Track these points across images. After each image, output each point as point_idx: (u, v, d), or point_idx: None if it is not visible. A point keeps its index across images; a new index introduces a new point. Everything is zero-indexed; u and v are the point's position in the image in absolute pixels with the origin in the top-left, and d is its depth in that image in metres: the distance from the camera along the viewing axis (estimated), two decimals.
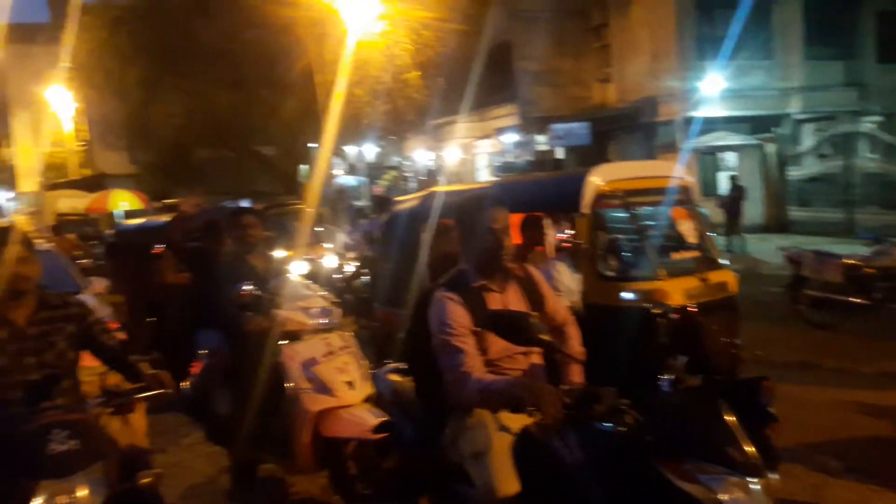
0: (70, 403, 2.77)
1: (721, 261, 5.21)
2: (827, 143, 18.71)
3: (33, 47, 39.96)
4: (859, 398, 5.62)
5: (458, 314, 2.63)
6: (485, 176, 25.23)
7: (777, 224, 18.25)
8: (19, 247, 2.72)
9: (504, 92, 23.38)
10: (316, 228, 9.99)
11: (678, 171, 5.32)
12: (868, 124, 18.80)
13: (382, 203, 11.36)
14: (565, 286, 4.71)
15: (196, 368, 5.07)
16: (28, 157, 44.85)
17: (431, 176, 24.33)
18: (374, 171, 25.46)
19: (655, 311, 3.80)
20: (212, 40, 18.17)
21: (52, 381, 2.76)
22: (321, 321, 4.39)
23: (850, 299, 7.80)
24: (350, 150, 26.77)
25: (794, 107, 19.71)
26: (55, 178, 34.76)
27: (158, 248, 6.47)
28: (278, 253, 6.83)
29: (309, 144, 21.38)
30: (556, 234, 5.23)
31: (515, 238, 5.08)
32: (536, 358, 2.82)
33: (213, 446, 5.03)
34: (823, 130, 19.37)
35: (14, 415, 2.60)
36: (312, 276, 8.13)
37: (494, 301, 2.75)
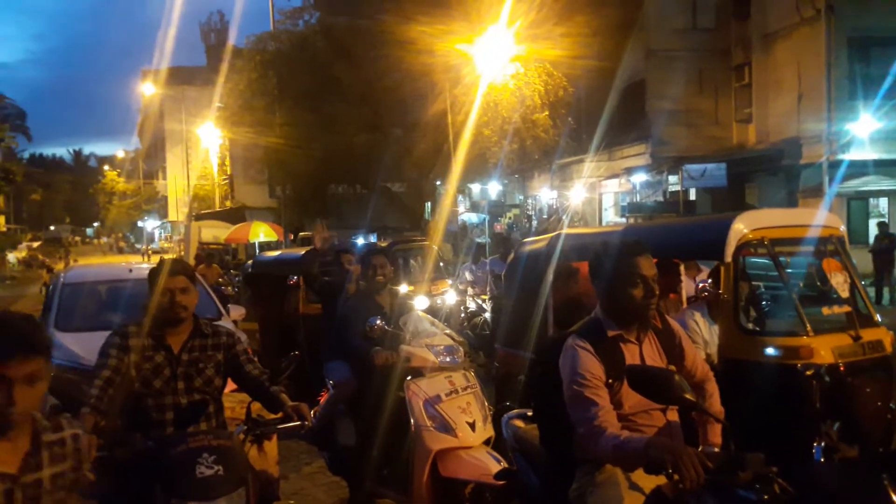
0: (215, 429, 2.91)
1: (876, 317, 4.76)
2: None
3: (189, 89, 43.76)
4: None
5: (591, 365, 2.55)
6: (611, 216, 24.73)
7: None
8: (183, 278, 2.91)
9: (635, 131, 22.97)
10: (439, 264, 10.12)
11: (830, 220, 4.95)
12: None
13: (503, 241, 11.36)
14: (702, 338, 4.47)
15: (323, 398, 5.20)
16: (178, 189, 48.78)
17: (555, 215, 24.14)
18: (497, 208, 25.60)
19: (808, 371, 3.50)
20: (353, 84, 19.11)
21: (200, 405, 2.92)
22: (446, 359, 4.39)
23: None
24: (474, 187, 27.09)
25: None
26: (200, 209, 37.47)
27: (293, 279, 6.75)
28: (402, 288, 6.96)
29: (436, 182, 21.88)
30: (694, 283, 4.99)
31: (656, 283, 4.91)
32: (673, 414, 2.68)
33: (333, 476, 5.11)
34: None
35: (166, 436, 2.76)
36: (433, 312, 8.22)
37: (630, 353, 2.65)
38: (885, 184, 17.80)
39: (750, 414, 3.70)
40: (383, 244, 10.95)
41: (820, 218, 5.02)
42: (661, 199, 21.92)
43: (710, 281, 4.71)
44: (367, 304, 4.84)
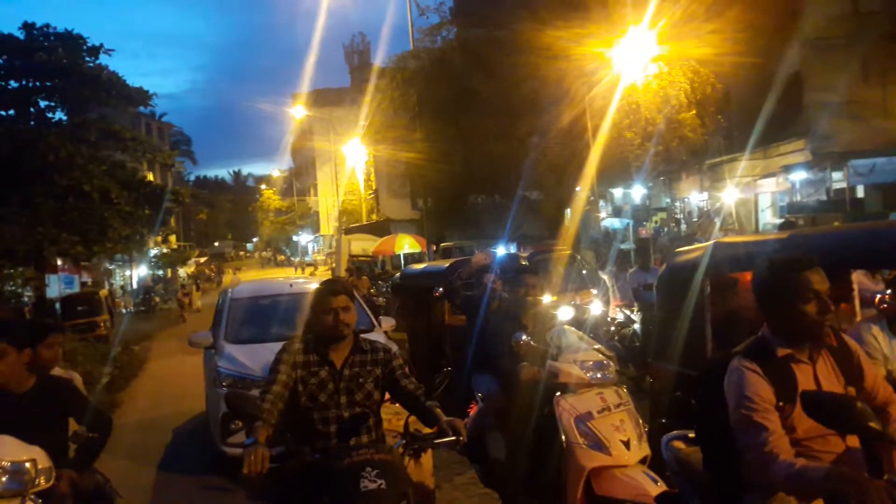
0: (376, 442, 3.02)
1: None
2: None
3: (336, 109, 46.05)
4: None
5: (759, 387, 2.41)
6: (768, 217, 23.20)
7: None
8: (344, 297, 3.06)
9: (792, 126, 21.44)
10: (582, 272, 9.91)
11: None
12: None
13: (643, 252, 10.92)
14: (881, 353, 4.08)
15: (473, 410, 5.25)
16: (328, 205, 51.36)
17: (706, 217, 23.00)
18: (641, 212, 24.82)
19: None
20: (490, 95, 19.29)
21: (361, 419, 3.04)
22: (596, 375, 4.29)
23: None
24: (616, 191, 26.44)
25: None
26: (349, 223, 39.23)
27: (438, 291, 6.88)
28: (545, 298, 6.89)
29: (576, 189, 21.59)
30: (872, 294, 4.58)
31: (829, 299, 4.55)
32: (854, 440, 2.47)
33: (484, 488, 5.14)
34: None
35: (331, 449, 2.89)
36: (578, 324, 8.05)
37: (803, 373, 2.47)
38: None
39: None
40: (524, 254, 10.89)
41: None
42: (824, 198, 20.33)
43: (889, 291, 4.30)
44: (512, 319, 4.84)
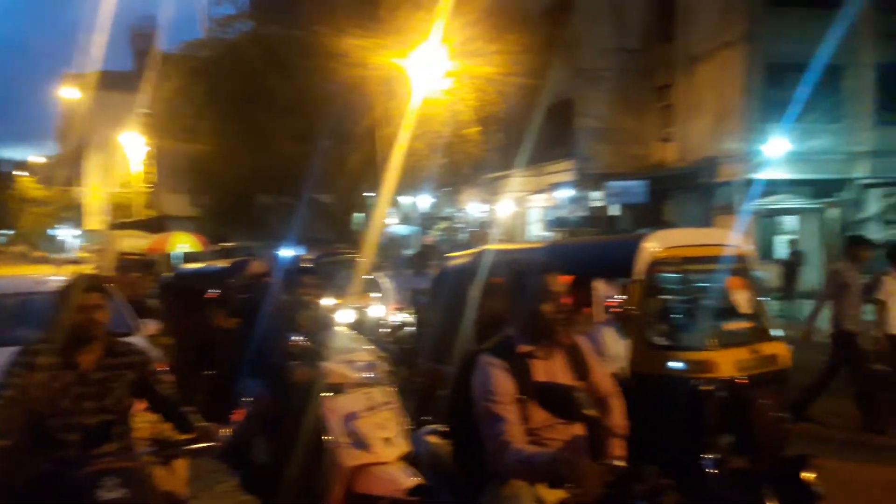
0: (122, 450, 2.84)
1: (774, 332, 5.04)
2: (893, 209, 18.13)
3: (115, 94, 42.32)
4: None
5: (502, 381, 2.62)
6: (537, 230, 25.20)
7: None
8: (98, 295, 2.85)
9: (562, 147, 23.50)
10: (365, 277, 10.08)
11: (736, 239, 5.22)
12: None
13: (425, 255, 11.35)
14: (612, 353, 4.61)
15: (238, 416, 5.11)
16: (96, 197, 47.01)
17: (483, 228, 24.46)
18: (427, 221, 25.77)
19: (704, 387, 3.68)
20: (285, 95, 18.91)
21: (108, 426, 2.85)
22: (365, 375, 4.40)
23: None
24: (404, 200, 27.16)
25: (861, 171, 19.19)
26: (120, 218, 36.23)
27: (212, 293, 6.62)
28: (327, 301, 6.91)
29: (365, 194, 21.85)
30: (605, 299, 5.15)
31: (565, 300, 5.04)
32: (579, 429, 2.73)
33: (246, 495, 5.03)
34: (891, 196, 18.78)
35: (69, 457, 2.68)
36: (358, 325, 8.16)
37: (539, 369, 2.72)
38: (795, 202, 18.80)
39: (654, 427, 3.86)
40: (310, 256, 10.83)
41: (727, 237, 5.29)
42: (584, 214, 22.50)
43: (620, 298, 4.87)
44: (287, 320, 4.80)
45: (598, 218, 22.22)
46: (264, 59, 19.53)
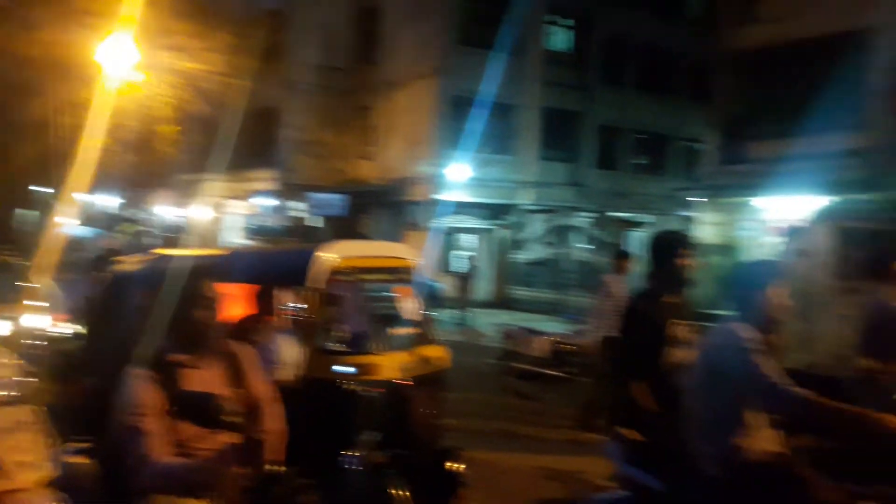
0: None
1: (435, 336, 5.65)
2: (551, 233, 21.26)
3: None
4: (548, 463, 6.33)
5: (145, 393, 2.53)
6: (236, 236, 24.64)
7: (503, 301, 20.14)
8: None
9: (265, 156, 23.36)
10: (27, 282, 8.96)
11: (405, 252, 5.73)
12: (583, 219, 21.76)
13: (105, 260, 10.41)
14: (287, 359, 4.81)
15: None
16: None
17: (177, 232, 23.23)
18: (113, 222, 23.70)
19: (351, 386, 4.01)
20: None
21: None
22: (7, 393, 4.01)
23: (551, 372, 8.83)
24: (89, 198, 24.67)
25: (526, 198, 22.15)
26: None
27: None
28: None
29: (35, 188, 19.39)
30: (285, 307, 5.34)
31: (249, 308, 5.12)
32: (229, 437, 2.58)
33: None
34: (548, 221, 22.00)
35: None
36: (13, 337, 7.32)
37: (191, 378, 2.63)
38: (471, 222, 21.07)
39: (319, 429, 4.16)
40: None
41: (399, 250, 5.82)
42: (285, 224, 22.61)
43: (299, 306, 5.10)
44: None
45: (298, 228, 22.45)
46: None
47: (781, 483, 3.09)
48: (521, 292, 20.51)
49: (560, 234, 20.99)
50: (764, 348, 3.03)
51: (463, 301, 16.96)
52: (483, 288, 19.70)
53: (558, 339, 9.08)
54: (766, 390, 2.91)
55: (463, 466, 4.47)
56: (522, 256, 20.99)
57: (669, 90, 26.08)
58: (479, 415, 7.76)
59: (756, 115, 14.15)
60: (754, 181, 13.49)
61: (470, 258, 18.29)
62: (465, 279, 17.26)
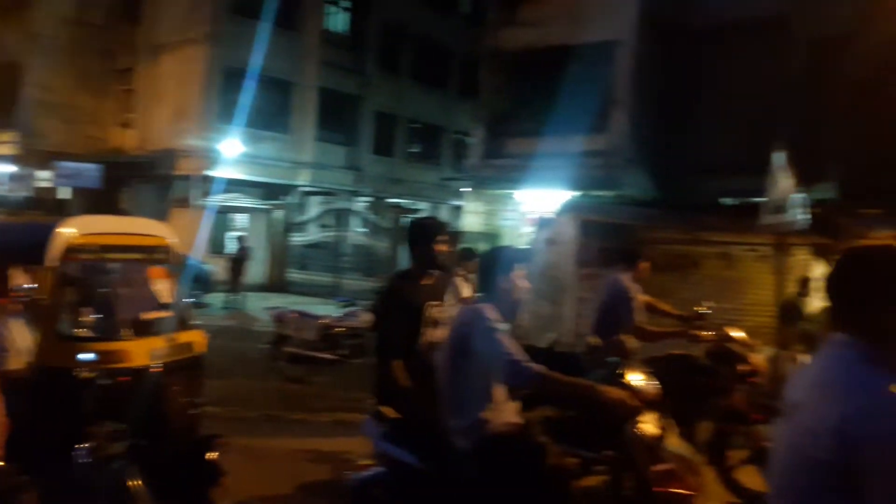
0: None
1: (192, 320, 5.37)
2: (328, 215, 21.18)
3: None
4: (314, 446, 6.35)
5: None
6: None
7: (278, 284, 19.74)
8: None
9: (3, 117, 20.53)
10: None
11: (160, 230, 5.37)
12: (360, 203, 21.96)
13: None
14: (18, 346, 4.31)
15: None
16: None
17: None
18: None
19: (90, 374, 3.75)
20: None
21: None
22: None
23: (322, 355, 8.84)
24: None
25: (303, 179, 21.83)
26: None
27: None
28: None
29: None
30: (18, 289, 4.76)
31: None
32: None
33: None
34: (325, 204, 21.90)
35: None
36: None
37: None
38: (245, 201, 20.29)
39: (45, 421, 3.78)
40: None
41: (152, 227, 5.42)
42: (28, 194, 20.12)
43: (32, 286, 4.57)
44: None
45: (44, 200, 20.07)
46: None
47: (521, 452, 3.37)
48: (297, 275, 20.19)
49: (337, 217, 20.94)
50: (506, 327, 3.28)
51: (235, 284, 16.32)
52: (258, 271, 19.10)
53: (330, 322, 9.06)
54: (507, 366, 3.15)
55: (217, 455, 4.32)
56: (299, 239, 20.66)
57: (444, 83, 27.16)
58: (245, 401, 7.60)
59: (517, 113, 15.20)
60: (514, 175, 14.52)
61: (240, 239, 17.56)
62: (237, 261, 16.58)
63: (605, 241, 10.19)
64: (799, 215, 5.73)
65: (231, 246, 18.57)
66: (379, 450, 3.55)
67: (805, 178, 6.99)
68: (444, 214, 26.14)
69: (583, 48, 13.71)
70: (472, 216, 16.29)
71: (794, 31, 12.83)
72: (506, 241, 14.79)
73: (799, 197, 5.78)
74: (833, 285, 1.82)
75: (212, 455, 4.34)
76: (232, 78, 19.37)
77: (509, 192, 15.86)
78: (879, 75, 11.17)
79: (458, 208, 21.57)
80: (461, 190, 17.69)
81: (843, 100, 11.78)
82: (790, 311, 6.78)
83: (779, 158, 5.93)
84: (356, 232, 20.53)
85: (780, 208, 5.89)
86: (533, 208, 15.26)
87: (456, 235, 14.40)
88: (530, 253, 10.86)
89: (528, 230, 14.82)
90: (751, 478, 4.95)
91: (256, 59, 18.13)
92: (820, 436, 1.65)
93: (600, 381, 3.57)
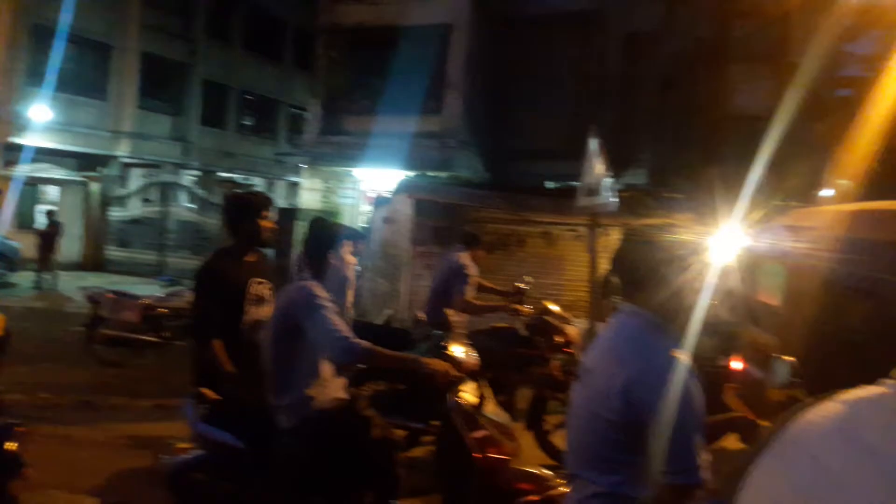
0: None
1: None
2: (151, 189, 19.86)
3: None
4: (132, 432, 6.02)
5: None
6: None
7: (95, 262, 18.32)
8: None
9: None
10: None
11: None
12: (188, 177, 20.80)
13: None
14: None
15: None
16: None
17: None
18: None
19: None
20: None
21: None
22: None
23: (143, 337, 8.36)
24: None
25: (123, 150, 20.32)
26: None
27: None
28: None
29: None
30: None
31: None
32: None
33: None
34: (149, 177, 20.52)
35: None
36: None
37: None
38: (56, 172, 18.54)
39: None
40: None
41: None
42: None
43: None
44: None
45: None
46: None
47: (345, 426, 3.41)
48: (117, 253, 18.77)
49: (162, 191, 19.64)
50: (333, 304, 3.30)
51: (45, 262, 14.93)
52: (72, 248, 17.57)
53: (152, 303, 8.56)
54: (333, 343, 3.17)
55: (15, 445, 3.99)
56: (119, 214, 19.20)
57: (279, 55, 26.30)
58: (56, 387, 7.07)
59: (354, 90, 15.06)
60: (351, 152, 14.43)
61: (49, 213, 16.01)
62: (46, 237, 15.12)
63: (439, 220, 10.47)
64: (609, 198, 6.21)
65: (41, 221, 16.92)
66: (198, 432, 3.45)
67: (617, 165, 7.59)
68: (280, 191, 25.45)
69: (418, 29, 13.85)
70: (309, 193, 16.00)
71: (610, 25, 13.80)
72: (345, 219, 14.70)
73: (609, 181, 6.26)
74: (617, 263, 2.02)
75: (10, 445, 4.00)
76: (41, 36, 17.54)
77: (347, 170, 15.75)
78: (680, 72, 12.34)
79: (294, 185, 21.06)
80: (298, 166, 17.29)
81: (653, 93, 12.90)
82: (605, 286, 7.35)
83: (593, 145, 6.38)
84: (183, 207, 19.45)
85: (593, 191, 6.35)
86: (372, 187, 15.28)
87: (293, 212, 14.11)
88: (367, 230, 10.91)
89: (367, 208, 14.84)
90: (565, 441, 5.34)
91: (68, 17, 16.58)
92: (609, 398, 1.83)
93: (425, 353, 3.68)
